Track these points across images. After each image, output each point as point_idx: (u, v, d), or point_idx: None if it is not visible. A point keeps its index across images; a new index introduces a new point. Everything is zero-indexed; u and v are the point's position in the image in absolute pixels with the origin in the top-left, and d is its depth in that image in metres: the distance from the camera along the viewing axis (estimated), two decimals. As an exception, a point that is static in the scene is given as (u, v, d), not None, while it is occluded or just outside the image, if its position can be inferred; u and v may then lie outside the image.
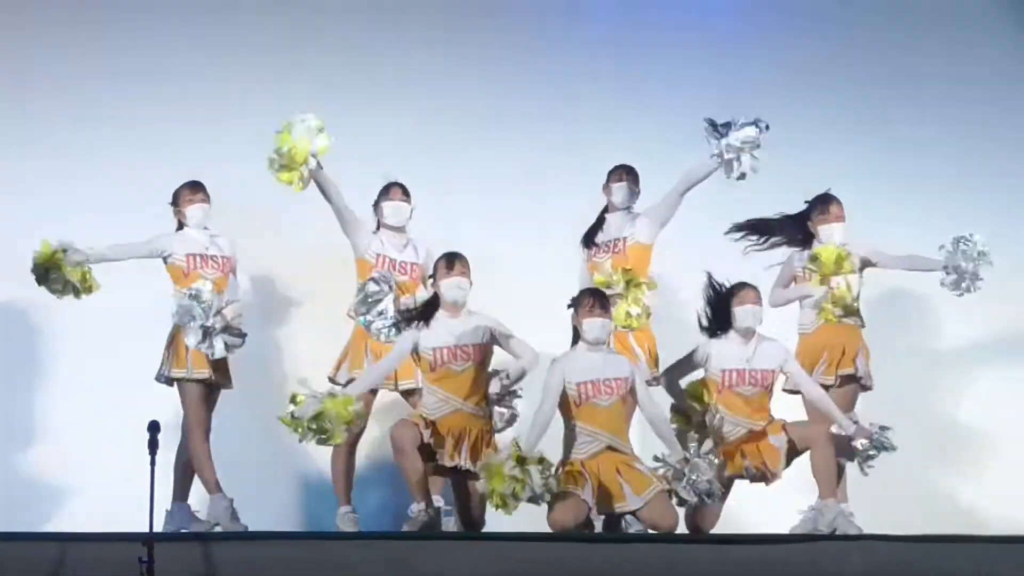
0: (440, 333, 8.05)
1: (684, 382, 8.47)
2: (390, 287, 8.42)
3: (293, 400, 7.84)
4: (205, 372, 8.38)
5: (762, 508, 8.77)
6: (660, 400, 8.34)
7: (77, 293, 8.40)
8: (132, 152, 9.66)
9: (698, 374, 8.46)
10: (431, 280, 8.30)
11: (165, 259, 8.53)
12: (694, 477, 7.86)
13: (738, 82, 9.96)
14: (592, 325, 8.05)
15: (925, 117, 10.26)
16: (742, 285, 8.40)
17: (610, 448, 7.96)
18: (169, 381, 8.50)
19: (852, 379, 8.60)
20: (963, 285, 8.52)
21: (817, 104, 10.18)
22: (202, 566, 7.17)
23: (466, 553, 7.42)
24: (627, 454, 8.01)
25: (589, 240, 8.84)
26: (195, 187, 8.59)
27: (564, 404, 8.02)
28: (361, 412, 7.97)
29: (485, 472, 7.68)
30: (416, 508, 7.93)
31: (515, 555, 7.42)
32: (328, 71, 9.84)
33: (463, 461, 7.90)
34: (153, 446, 6.81)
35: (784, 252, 8.80)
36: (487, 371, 8.16)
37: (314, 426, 7.73)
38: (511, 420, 8.45)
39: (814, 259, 8.58)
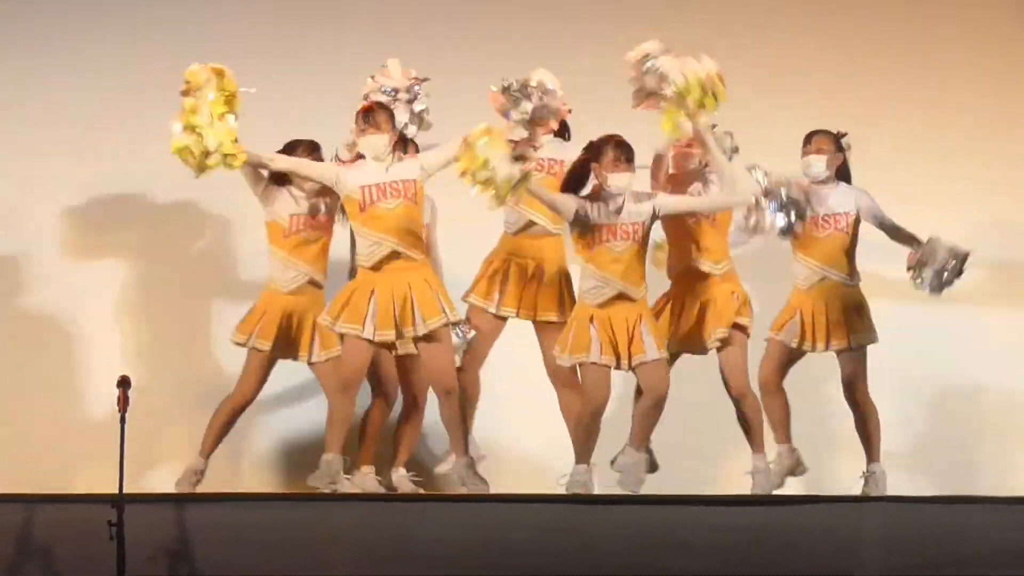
0: (368, 173, 7.75)
1: None
2: None
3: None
4: (267, 344, 8.02)
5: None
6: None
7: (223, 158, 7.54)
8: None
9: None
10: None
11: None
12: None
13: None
14: (619, 180, 7.64)
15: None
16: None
17: (621, 296, 7.70)
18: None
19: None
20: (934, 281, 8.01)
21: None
22: (175, 529, 7.12)
23: (454, 514, 7.37)
24: (639, 303, 7.74)
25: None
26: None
27: (579, 243, 7.72)
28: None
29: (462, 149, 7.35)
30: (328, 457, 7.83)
31: (506, 517, 7.31)
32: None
33: (417, 327, 7.68)
34: (123, 402, 6.71)
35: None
36: (421, 210, 7.85)
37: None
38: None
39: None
